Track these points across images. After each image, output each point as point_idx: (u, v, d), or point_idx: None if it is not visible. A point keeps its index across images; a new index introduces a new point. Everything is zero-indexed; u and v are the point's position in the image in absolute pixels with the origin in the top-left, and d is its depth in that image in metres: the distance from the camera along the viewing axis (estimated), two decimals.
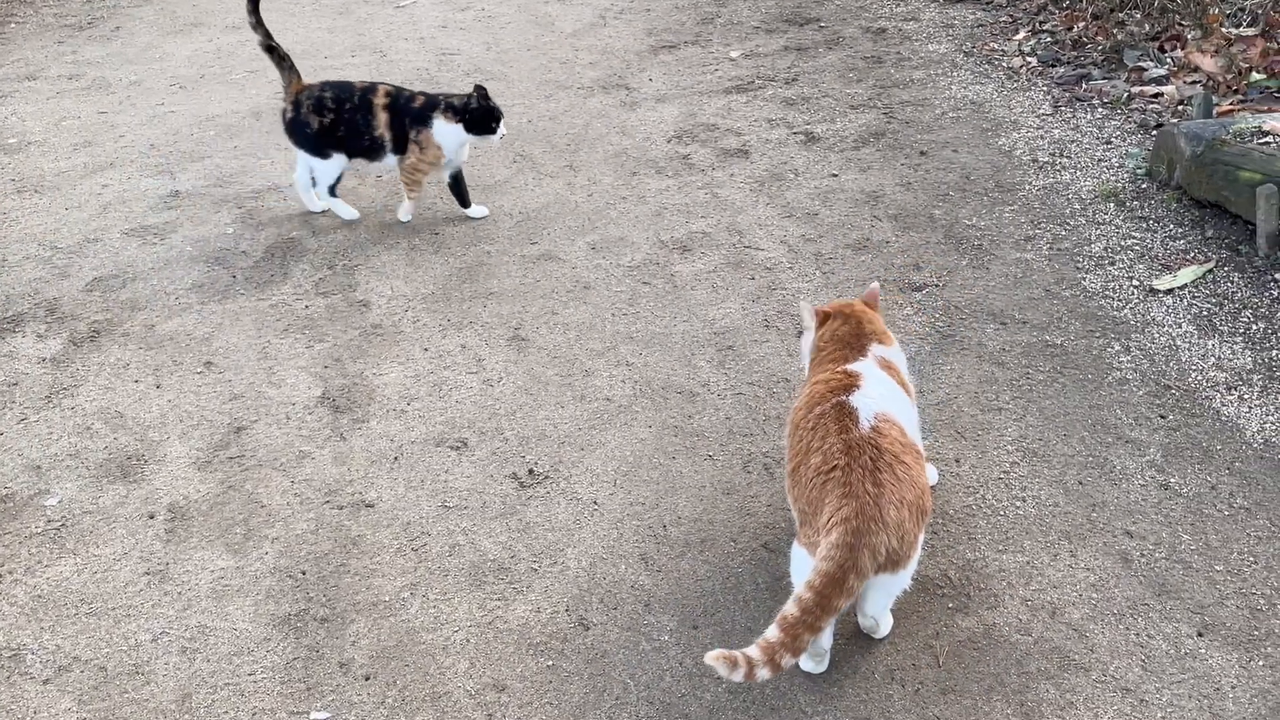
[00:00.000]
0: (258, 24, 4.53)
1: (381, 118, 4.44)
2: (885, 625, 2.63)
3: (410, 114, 4.47)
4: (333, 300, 4.17)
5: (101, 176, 5.30)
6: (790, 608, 2.25)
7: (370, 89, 4.48)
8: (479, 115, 4.44)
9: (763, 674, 2.22)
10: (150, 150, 5.57)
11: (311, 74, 6.50)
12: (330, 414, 3.54)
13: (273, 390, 3.66)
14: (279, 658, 2.69)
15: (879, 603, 2.52)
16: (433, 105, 4.47)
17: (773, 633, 2.24)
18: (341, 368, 3.76)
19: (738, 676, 2.21)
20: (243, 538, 3.07)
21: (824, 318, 2.80)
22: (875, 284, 2.92)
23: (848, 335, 2.73)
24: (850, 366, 2.62)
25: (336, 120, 4.44)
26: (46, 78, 6.70)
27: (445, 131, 4.45)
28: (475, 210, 4.75)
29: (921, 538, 2.43)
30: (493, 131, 4.49)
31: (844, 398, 2.49)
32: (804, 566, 2.35)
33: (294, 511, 3.15)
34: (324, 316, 4.07)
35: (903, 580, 2.43)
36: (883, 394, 2.54)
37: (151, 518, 3.16)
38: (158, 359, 3.86)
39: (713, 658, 2.22)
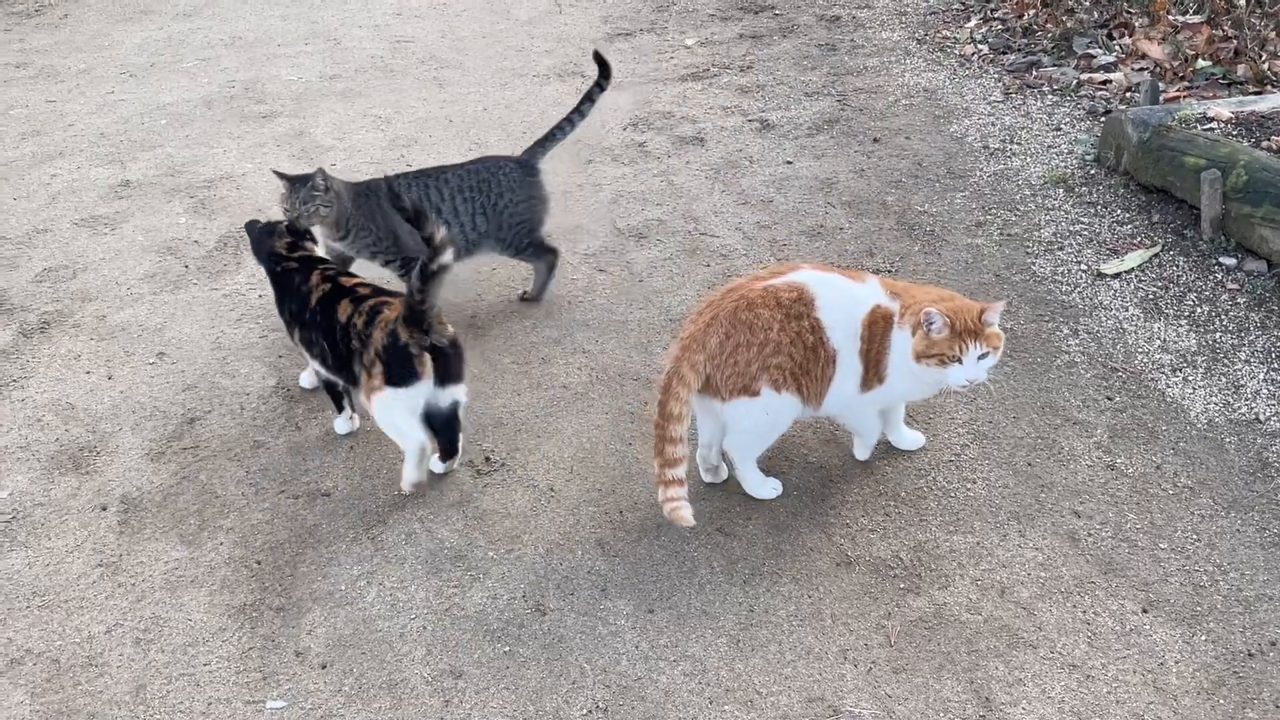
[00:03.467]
0: None
1: None
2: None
3: None
4: None
5: (50, 166, 5.23)
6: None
7: None
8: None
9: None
10: (100, 139, 5.50)
11: (264, 62, 6.46)
12: (285, 404, 3.53)
13: (226, 380, 3.64)
14: (234, 648, 2.69)
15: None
16: None
17: None
18: (296, 357, 3.74)
19: None
20: (197, 528, 3.05)
21: None
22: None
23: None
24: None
25: None
26: None
27: None
28: None
29: None
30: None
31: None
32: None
33: (249, 501, 3.14)
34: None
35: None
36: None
37: (104, 509, 3.13)
38: (109, 350, 3.82)
39: None
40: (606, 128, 5.36)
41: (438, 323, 2.98)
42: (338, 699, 2.55)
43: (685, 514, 2.78)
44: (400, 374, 2.95)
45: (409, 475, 3.08)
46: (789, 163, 4.92)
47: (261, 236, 3.38)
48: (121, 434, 3.42)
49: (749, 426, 2.90)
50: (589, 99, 3.93)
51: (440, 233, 2.91)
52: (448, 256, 2.91)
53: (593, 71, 4.07)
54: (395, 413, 3.01)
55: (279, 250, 3.33)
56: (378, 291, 3.13)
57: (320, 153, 5.23)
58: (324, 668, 2.63)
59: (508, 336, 3.81)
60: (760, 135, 5.20)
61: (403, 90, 5.98)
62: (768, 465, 3.08)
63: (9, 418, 3.51)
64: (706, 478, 3.09)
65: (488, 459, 3.26)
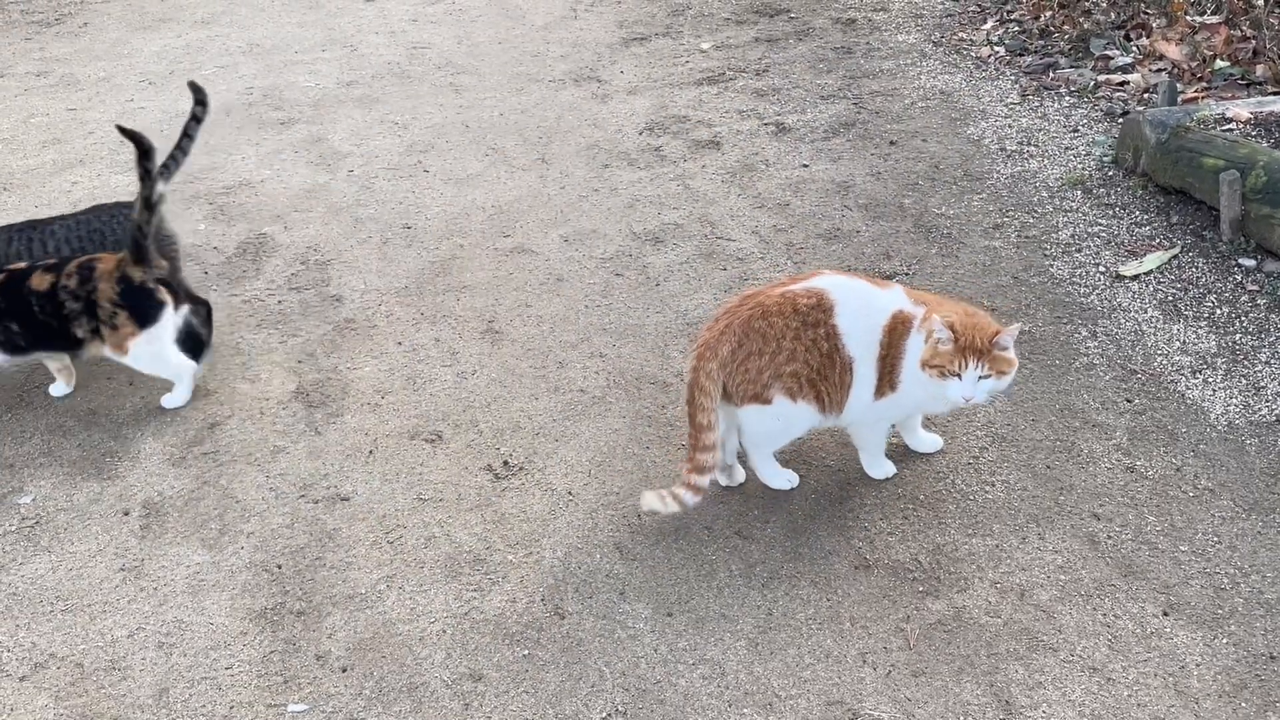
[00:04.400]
0: None
1: None
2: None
3: None
4: (305, 295, 4.17)
5: (71, 174, 5.27)
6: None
7: None
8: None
9: None
10: (120, 147, 5.53)
11: (281, 69, 6.49)
12: (304, 409, 3.55)
13: (246, 385, 3.66)
14: (256, 651, 2.71)
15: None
16: None
17: None
18: (315, 362, 3.76)
19: None
20: (218, 533, 3.07)
21: None
22: None
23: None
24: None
25: None
26: (14, 75, 6.65)
27: None
28: None
29: None
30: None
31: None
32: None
33: (269, 506, 3.16)
34: (297, 311, 4.07)
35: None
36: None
37: (126, 514, 3.16)
38: None
39: None
40: (622, 132, 5.37)
41: (154, 261, 3.40)
42: (358, 702, 2.56)
43: (651, 498, 2.90)
44: (148, 310, 3.36)
45: (180, 396, 3.52)
46: (805, 166, 4.92)
47: None
48: (143, 439, 3.45)
49: (762, 430, 2.93)
50: (187, 134, 3.75)
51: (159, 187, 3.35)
52: (161, 185, 3.37)
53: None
54: (157, 347, 3.41)
55: None
56: (64, 259, 3.43)
57: (338, 159, 5.26)
58: (344, 671, 2.64)
59: (524, 341, 3.82)
60: (776, 139, 5.20)
61: (419, 96, 6.01)
62: (784, 466, 3.08)
63: (32, 424, 3.54)
64: (721, 480, 3.08)
65: (506, 463, 3.27)
